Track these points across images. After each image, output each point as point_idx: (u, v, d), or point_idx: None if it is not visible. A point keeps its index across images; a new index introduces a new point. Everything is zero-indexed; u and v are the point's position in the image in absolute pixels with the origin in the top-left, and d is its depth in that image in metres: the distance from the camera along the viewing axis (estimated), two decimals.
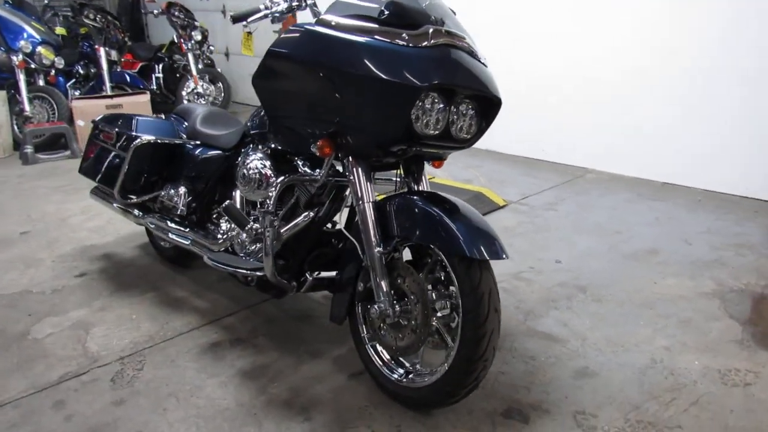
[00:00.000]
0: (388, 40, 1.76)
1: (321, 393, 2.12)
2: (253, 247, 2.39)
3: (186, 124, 2.87)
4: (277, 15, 2.14)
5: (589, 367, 2.24)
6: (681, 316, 2.59)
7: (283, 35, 1.90)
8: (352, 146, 1.93)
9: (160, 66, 7.08)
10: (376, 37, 1.76)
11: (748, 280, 2.92)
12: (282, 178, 2.09)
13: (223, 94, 7.06)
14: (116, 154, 2.83)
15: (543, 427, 1.93)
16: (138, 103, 5.77)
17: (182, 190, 2.69)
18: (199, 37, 6.53)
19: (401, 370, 2.04)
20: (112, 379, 2.22)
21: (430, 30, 1.74)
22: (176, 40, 6.74)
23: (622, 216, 3.85)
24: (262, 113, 2.36)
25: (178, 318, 2.65)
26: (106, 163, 2.90)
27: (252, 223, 2.09)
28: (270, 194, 2.19)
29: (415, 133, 1.80)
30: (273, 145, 2.31)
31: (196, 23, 6.60)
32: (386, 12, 1.75)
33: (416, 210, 1.87)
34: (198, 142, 2.78)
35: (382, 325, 2.00)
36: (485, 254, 1.73)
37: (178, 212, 2.68)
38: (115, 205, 2.96)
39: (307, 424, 1.97)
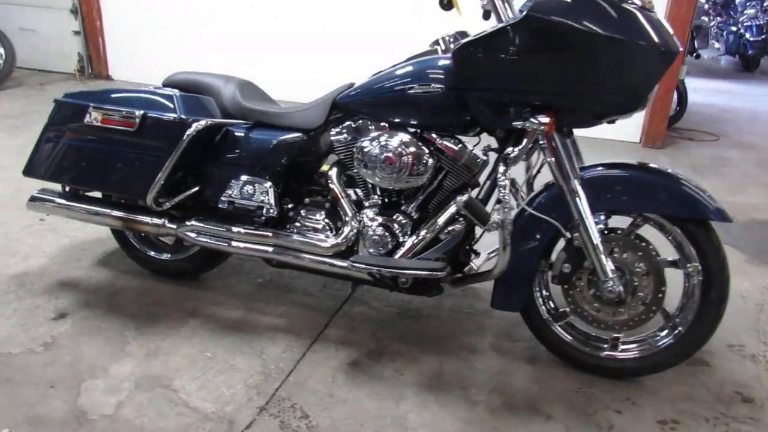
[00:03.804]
0: (636, 4, 1.65)
1: (525, 386, 1.97)
2: (388, 243, 2.02)
3: (209, 100, 2.21)
4: None
5: None
6: None
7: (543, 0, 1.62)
8: (567, 119, 1.78)
9: None
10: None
11: None
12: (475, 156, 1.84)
13: (3, 59, 5.48)
14: (141, 143, 2.06)
15: None
16: None
17: (267, 185, 2.10)
18: None
19: (605, 345, 2.00)
20: None
21: None
22: None
23: None
24: (382, 86, 1.98)
25: (269, 344, 2.13)
26: (111, 160, 2.10)
27: (493, 217, 1.76)
28: (419, 182, 1.92)
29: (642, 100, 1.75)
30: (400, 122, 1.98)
31: None
32: None
33: (638, 180, 1.85)
34: (251, 123, 2.19)
35: (593, 303, 1.93)
36: (727, 216, 1.79)
37: (266, 212, 2.09)
38: (119, 215, 2.19)
39: (553, 422, 1.82)
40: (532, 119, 1.74)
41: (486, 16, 2.02)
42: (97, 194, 2.40)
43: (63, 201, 2.30)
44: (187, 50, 5.68)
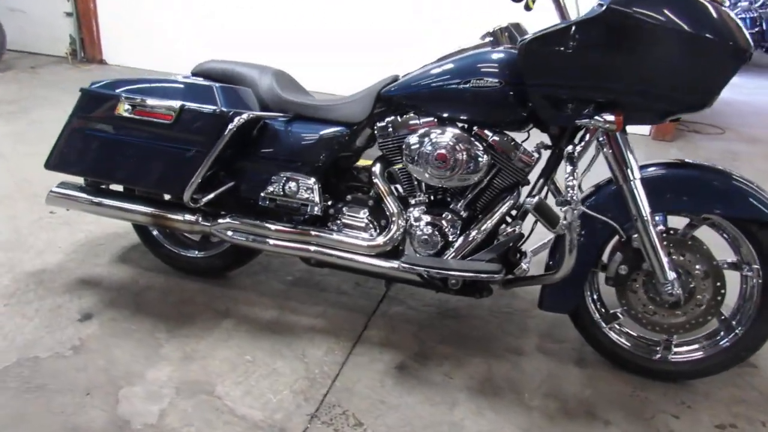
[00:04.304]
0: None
1: (578, 390, 1.92)
2: (438, 243, 1.95)
3: (247, 91, 2.10)
4: None
5: None
6: None
7: None
8: (633, 117, 1.72)
9: None
10: None
11: None
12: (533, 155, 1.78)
13: None
14: (178, 137, 1.94)
15: None
16: None
17: (310, 181, 2.01)
18: None
19: (657, 347, 1.96)
20: None
21: None
22: None
23: None
24: (434, 79, 1.90)
25: (309, 346, 2.05)
26: (144, 154, 1.99)
27: (562, 220, 1.69)
28: (472, 180, 1.86)
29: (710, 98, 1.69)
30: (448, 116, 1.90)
31: None
32: None
33: (700, 180, 1.81)
34: (290, 116, 2.09)
35: (649, 305, 1.88)
36: None
37: (310, 210, 2.00)
38: (151, 211, 2.09)
39: (613, 428, 1.78)
40: (598, 117, 1.67)
41: (527, 7, 1.96)
42: (118, 187, 2.30)
43: (87, 196, 2.18)
44: (187, 35, 5.51)
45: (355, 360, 2.00)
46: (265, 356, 1.99)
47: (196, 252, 2.35)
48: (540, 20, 1.86)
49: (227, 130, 1.91)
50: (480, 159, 1.85)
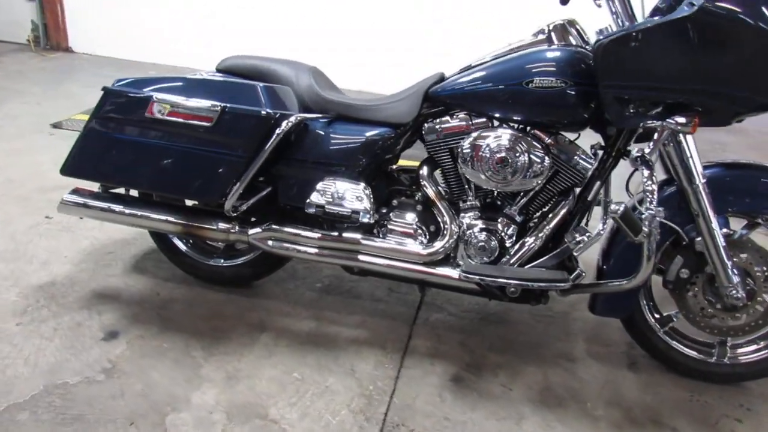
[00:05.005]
0: None
1: (638, 397, 1.88)
2: (495, 250, 1.87)
3: (287, 90, 1.96)
4: None
5: None
6: None
7: None
8: (705, 118, 1.68)
9: None
10: None
11: None
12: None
13: None
14: (218, 141, 1.79)
15: None
16: None
17: (360, 187, 1.88)
18: None
19: (713, 350, 1.94)
20: None
21: None
22: None
23: None
24: (490, 78, 1.81)
25: (357, 360, 1.95)
26: (179, 159, 1.83)
27: (645, 227, 1.62)
28: (532, 184, 1.79)
29: None
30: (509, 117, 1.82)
31: None
32: None
33: (753, 180, 1.81)
34: (331, 116, 1.96)
35: (708, 308, 1.86)
36: None
37: (362, 218, 1.88)
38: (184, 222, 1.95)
39: None
40: (671, 119, 1.62)
41: (564, 1, 1.89)
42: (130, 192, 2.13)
43: (106, 204, 2.00)
44: (162, 22, 5.23)
45: (407, 373, 1.91)
46: (314, 373, 1.88)
47: (221, 260, 2.20)
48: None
49: (275, 135, 1.77)
50: (542, 162, 1.78)
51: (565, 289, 1.87)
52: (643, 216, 1.61)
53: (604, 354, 2.07)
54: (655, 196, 1.61)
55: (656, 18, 1.56)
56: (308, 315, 2.15)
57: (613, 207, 1.61)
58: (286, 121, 1.78)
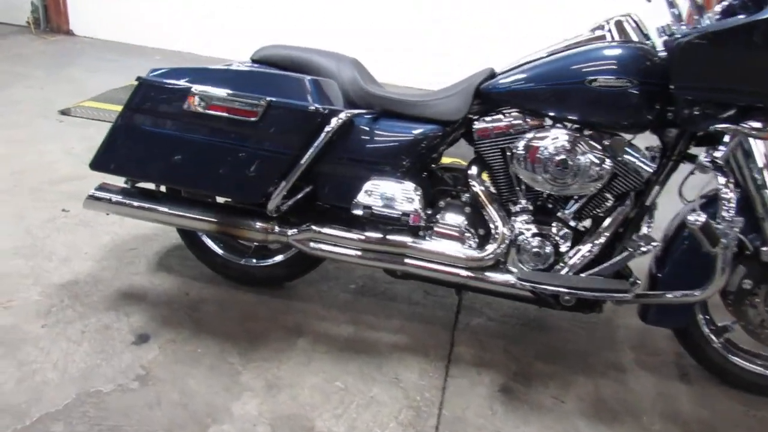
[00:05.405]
0: None
1: (693, 410, 1.82)
2: (550, 257, 1.79)
3: (332, 83, 1.85)
4: None
5: None
6: None
7: None
8: None
9: None
10: None
11: None
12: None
13: None
14: (262, 137, 1.69)
15: None
16: None
17: (409, 187, 1.77)
18: None
19: None
20: None
21: None
22: None
23: None
24: (549, 76, 1.72)
25: (400, 368, 1.86)
26: (219, 156, 1.72)
27: (725, 238, 1.53)
28: (592, 188, 1.70)
29: None
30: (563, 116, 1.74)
31: None
32: None
33: None
34: (376, 112, 1.86)
35: None
36: None
37: (412, 221, 1.78)
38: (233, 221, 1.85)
39: None
40: (744, 123, 1.54)
41: None
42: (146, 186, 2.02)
43: (137, 201, 1.90)
44: (163, 5, 5.08)
45: (454, 383, 1.83)
46: (357, 382, 1.79)
47: (253, 260, 2.11)
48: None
49: (324, 132, 1.67)
50: (604, 165, 1.69)
51: (625, 300, 1.80)
52: (720, 226, 1.53)
53: (654, 364, 2.00)
54: (734, 204, 1.54)
55: (741, 17, 1.47)
56: (345, 319, 2.06)
57: (691, 217, 1.52)
58: (336, 118, 1.68)
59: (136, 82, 1.77)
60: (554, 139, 1.70)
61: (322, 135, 1.69)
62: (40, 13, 5.32)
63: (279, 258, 2.08)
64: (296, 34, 4.86)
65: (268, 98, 1.67)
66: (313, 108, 1.67)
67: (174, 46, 5.13)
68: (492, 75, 1.86)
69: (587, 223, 1.88)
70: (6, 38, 5.05)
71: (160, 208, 1.90)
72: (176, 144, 1.76)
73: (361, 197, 1.79)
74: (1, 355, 1.74)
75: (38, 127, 3.35)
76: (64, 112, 3.56)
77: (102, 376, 1.71)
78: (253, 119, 1.68)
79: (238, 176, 1.75)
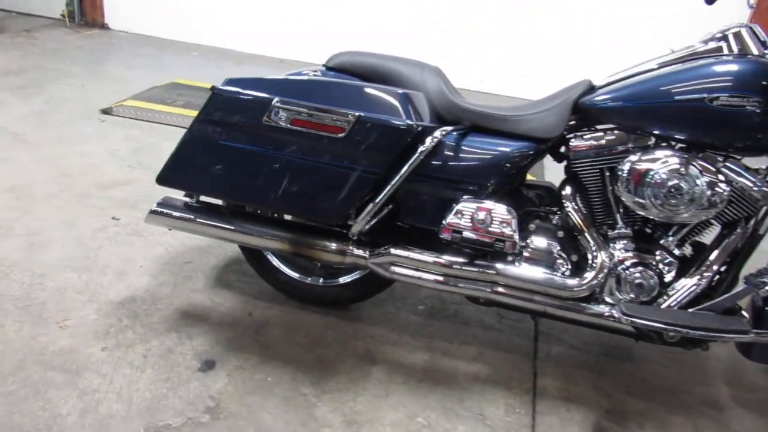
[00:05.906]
0: None
1: None
2: (654, 289, 1.64)
3: (420, 96, 1.71)
4: None
5: None
6: None
7: None
8: None
9: None
10: None
11: None
12: None
13: None
14: (349, 155, 1.56)
15: None
16: None
17: (504, 210, 1.64)
18: None
19: None
20: None
21: None
22: None
23: None
24: (661, 92, 1.57)
25: (484, 403, 1.73)
26: (299, 174, 1.59)
27: None
28: (705, 215, 1.56)
29: None
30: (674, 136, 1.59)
31: None
32: None
33: None
34: (466, 127, 1.72)
35: None
36: None
37: (508, 248, 1.64)
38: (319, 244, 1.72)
39: None
40: None
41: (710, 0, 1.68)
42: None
43: (204, 218, 1.78)
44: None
45: (543, 421, 1.69)
46: (440, 418, 1.66)
47: (320, 280, 1.98)
48: None
49: (418, 151, 1.54)
50: (721, 190, 1.54)
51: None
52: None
53: (753, 401, 1.85)
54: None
55: None
56: (418, 345, 1.93)
57: None
58: (431, 137, 1.54)
59: (209, 91, 1.64)
60: (665, 162, 1.55)
61: (416, 154, 1.55)
62: (75, 5, 5.23)
63: (347, 278, 1.95)
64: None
65: (357, 113, 1.54)
66: (405, 125, 1.54)
67: (211, 42, 5.02)
68: (591, 88, 1.72)
69: (688, 250, 1.74)
70: (40, 31, 4.95)
71: (228, 226, 1.78)
72: (253, 159, 1.63)
73: (452, 219, 1.65)
74: (62, 383, 1.63)
75: (81, 126, 3.25)
76: (106, 111, 3.45)
77: (170, 408, 1.59)
78: (340, 135, 1.55)
79: (318, 195, 1.62)
